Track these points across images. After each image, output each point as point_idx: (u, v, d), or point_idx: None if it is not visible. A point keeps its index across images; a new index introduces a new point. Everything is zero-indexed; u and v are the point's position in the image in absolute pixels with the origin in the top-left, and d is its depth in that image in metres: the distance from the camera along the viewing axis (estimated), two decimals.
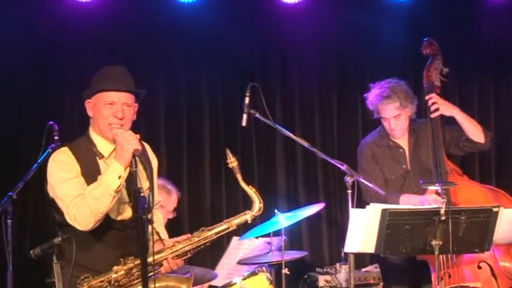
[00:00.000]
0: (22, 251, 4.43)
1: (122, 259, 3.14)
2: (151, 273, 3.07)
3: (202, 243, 3.26)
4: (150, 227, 3.03)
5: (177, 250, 3.21)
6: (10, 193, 4.15)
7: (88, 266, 3.19)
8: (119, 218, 3.24)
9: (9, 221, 4.11)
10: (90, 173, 3.20)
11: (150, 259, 3.05)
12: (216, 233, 3.28)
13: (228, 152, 3.35)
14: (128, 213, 3.25)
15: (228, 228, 3.31)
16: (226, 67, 5.92)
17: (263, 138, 5.99)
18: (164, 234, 3.45)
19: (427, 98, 4.54)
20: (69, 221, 3.12)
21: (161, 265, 3.19)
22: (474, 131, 4.52)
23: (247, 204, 5.77)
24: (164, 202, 4.60)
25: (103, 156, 3.26)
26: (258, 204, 3.34)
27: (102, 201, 3.06)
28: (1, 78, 5.34)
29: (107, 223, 3.17)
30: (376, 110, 4.55)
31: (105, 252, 3.21)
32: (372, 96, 4.55)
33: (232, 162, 3.34)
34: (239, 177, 3.33)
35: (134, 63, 5.61)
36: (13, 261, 4.08)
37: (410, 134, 4.59)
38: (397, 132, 4.55)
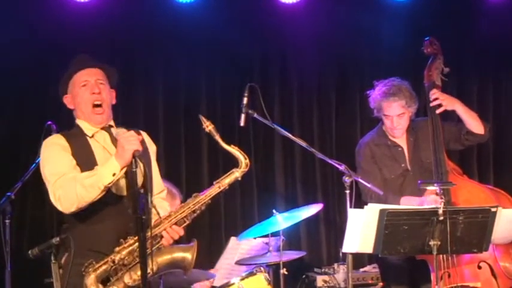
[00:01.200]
0: (20, 251, 4.41)
1: (122, 240, 3.13)
2: (152, 248, 3.06)
3: (197, 207, 3.24)
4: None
5: (174, 218, 3.20)
6: (8, 193, 4.17)
7: (91, 247, 3.16)
8: (119, 194, 3.24)
9: (7, 221, 4.13)
10: (82, 150, 3.24)
11: (149, 233, 3.05)
12: (208, 195, 3.26)
13: (202, 117, 3.31)
14: (124, 188, 3.24)
15: (220, 188, 3.27)
16: (225, 67, 5.92)
17: (261, 138, 5.99)
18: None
19: (430, 94, 4.53)
20: (52, 199, 3.13)
21: (162, 237, 3.18)
22: (474, 123, 4.53)
23: (246, 203, 5.90)
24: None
25: (91, 136, 3.31)
26: (243, 160, 3.28)
27: (90, 191, 3.07)
28: (1, 78, 5.34)
29: (104, 198, 3.15)
30: (379, 107, 4.52)
31: (105, 230, 3.19)
32: (376, 93, 4.52)
33: (208, 126, 3.29)
34: (218, 138, 3.29)
35: (134, 63, 5.65)
36: (11, 261, 4.09)
37: (409, 133, 4.57)
38: (397, 131, 4.53)
